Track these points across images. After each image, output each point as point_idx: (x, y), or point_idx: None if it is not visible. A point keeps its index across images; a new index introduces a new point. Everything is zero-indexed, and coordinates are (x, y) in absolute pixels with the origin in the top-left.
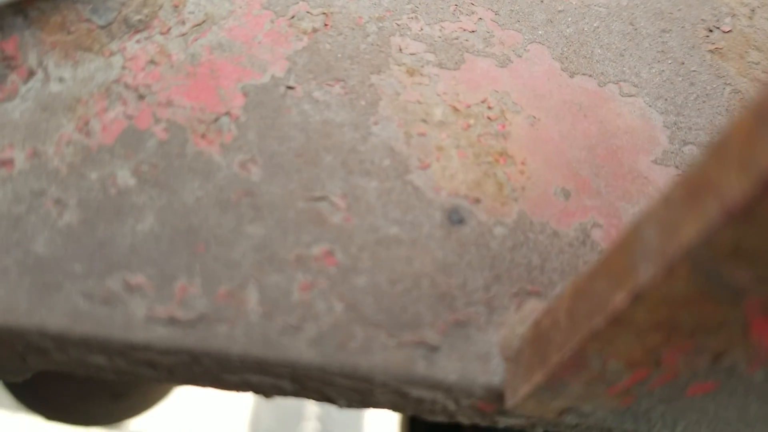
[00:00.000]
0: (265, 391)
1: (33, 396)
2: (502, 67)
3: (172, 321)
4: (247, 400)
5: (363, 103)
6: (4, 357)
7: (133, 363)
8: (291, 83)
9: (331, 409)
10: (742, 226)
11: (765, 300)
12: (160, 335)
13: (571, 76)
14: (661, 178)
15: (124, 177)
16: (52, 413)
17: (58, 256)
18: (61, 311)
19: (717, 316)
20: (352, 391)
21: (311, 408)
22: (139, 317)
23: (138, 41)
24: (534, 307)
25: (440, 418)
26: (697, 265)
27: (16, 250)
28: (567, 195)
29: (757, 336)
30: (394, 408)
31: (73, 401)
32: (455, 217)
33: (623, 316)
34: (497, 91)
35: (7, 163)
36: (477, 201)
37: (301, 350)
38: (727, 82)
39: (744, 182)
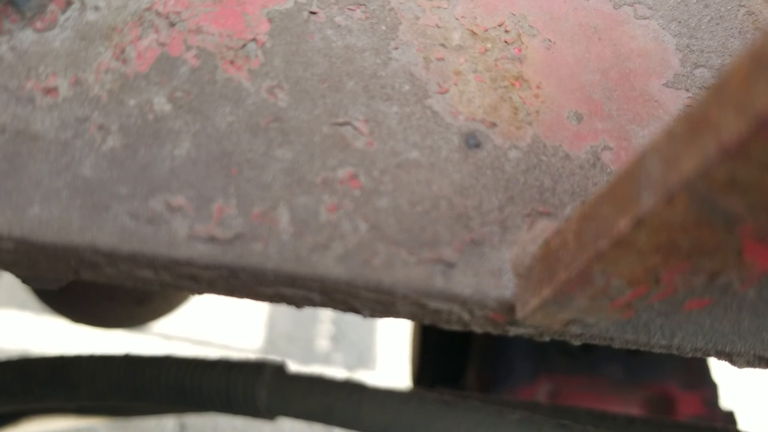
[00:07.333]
0: (297, 302)
1: (59, 299)
2: None
3: (212, 239)
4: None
5: (383, 27)
6: (59, 271)
7: (177, 277)
8: (314, 8)
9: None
10: (736, 162)
11: (757, 226)
12: (201, 252)
13: None
14: (671, 101)
15: (161, 103)
16: (77, 316)
17: (105, 179)
18: (110, 230)
19: (713, 240)
20: (376, 303)
21: (326, 311)
22: (182, 235)
23: None
24: (545, 227)
25: (455, 328)
26: (695, 195)
27: (65, 173)
28: (579, 118)
29: (750, 258)
30: (413, 318)
31: (98, 305)
32: (472, 141)
33: (626, 240)
34: (514, 14)
35: (52, 90)
36: (493, 125)
37: (329, 266)
38: (742, 4)
39: (740, 122)
